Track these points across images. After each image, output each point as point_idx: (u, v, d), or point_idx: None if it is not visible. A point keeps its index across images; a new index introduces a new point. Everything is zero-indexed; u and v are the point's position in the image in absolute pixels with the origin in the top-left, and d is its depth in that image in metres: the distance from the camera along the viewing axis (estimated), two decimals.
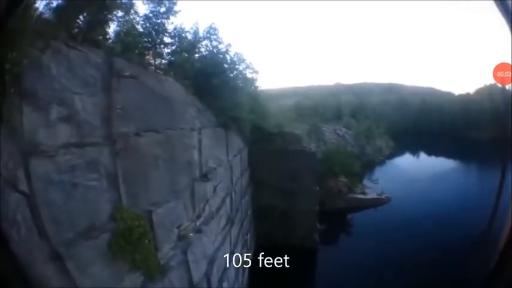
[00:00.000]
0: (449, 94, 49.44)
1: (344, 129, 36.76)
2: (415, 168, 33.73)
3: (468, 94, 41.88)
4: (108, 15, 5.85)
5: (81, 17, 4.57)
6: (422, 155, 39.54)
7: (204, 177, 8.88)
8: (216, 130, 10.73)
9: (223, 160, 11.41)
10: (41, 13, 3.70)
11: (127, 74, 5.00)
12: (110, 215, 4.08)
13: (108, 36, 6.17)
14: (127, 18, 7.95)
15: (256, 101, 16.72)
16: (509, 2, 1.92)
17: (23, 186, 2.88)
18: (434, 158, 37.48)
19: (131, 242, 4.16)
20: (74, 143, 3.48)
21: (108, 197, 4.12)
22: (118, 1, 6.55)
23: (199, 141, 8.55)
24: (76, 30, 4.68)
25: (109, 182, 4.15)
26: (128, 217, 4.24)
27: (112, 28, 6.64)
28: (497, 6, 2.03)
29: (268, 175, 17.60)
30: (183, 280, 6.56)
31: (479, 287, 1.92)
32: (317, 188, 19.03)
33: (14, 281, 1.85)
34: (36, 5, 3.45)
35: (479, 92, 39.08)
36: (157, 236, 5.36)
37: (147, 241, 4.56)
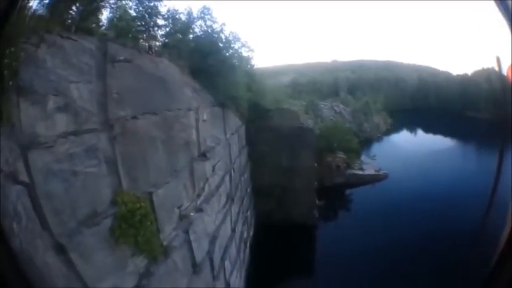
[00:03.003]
0: (446, 73, 48.90)
1: (341, 106, 36.67)
2: (413, 145, 33.80)
3: (466, 75, 41.43)
4: (101, 3, 5.79)
5: (74, 8, 4.51)
6: (420, 132, 39.30)
7: (203, 156, 8.91)
8: (213, 109, 10.72)
9: (221, 139, 11.41)
10: (35, 10, 3.65)
11: (121, 58, 4.97)
12: (111, 199, 4.10)
13: (101, 23, 6.12)
14: (119, 4, 7.89)
15: (253, 79, 16.65)
16: (509, 2, 1.88)
17: (23, 177, 2.88)
18: (432, 136, 37.29)
19: (133, 224, 4.20)
20: (72, 132, 3.47)
21: (108, 182, 4.13)
22: None
23: (197, 120, 8.56)
24: (69, 21, 4.61)
25: (108, 167, 4.16)
26: (128, 200, 4.27)
27: (105, 15, 6.57)
28: (498, 6, 1.99)
29: (266, 152, 17.64)
30: (186, 260, 6.63)
31: (479, 287, 1.90)
32: (315, 164, 19.14)
33: (13, 279, 1.84)
34: (30, 3, 3.41)
35: (477, 73, 38.54)
36: (159, 217, 5.40)
37: (149, 223, 4.59)
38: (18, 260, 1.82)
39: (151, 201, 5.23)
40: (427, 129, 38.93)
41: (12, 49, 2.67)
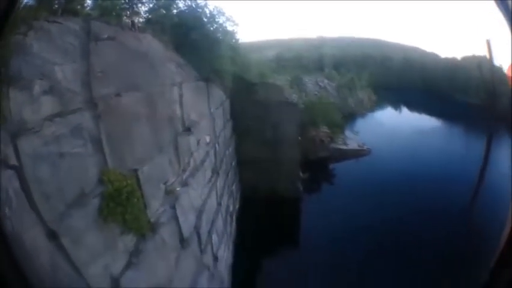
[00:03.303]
0: (433, 55, 48.08)
1: (326, 81, 36.22)
2: (397, 122, 33.56)
3: (455, 59, 40.53)
4: None
5: None
6: (405, 111, 38.80)
7: (187, 131, 8.87)
8: (197, 84, 10.59)
9: (206, 113, 11.36)
10: (26, 2, 3.56)
11: (105, 36, 4.89)
12: (98, 179, 4.09)
13: (86, 4, 6.00)
14: None
15: (237, 53, 16.38)
16: (509, 2, 1.89)
17: (13, 161, 2.84)
18: (417, 115, 36.90)
19: (120, 202, 4.20)
20: (58, 113, 3.44)
21: (95, 161, 4.12)
22: None
23: (181, 96, 8.48)
24: (56, 6, 4.54)
25: (94, 146, 4.13)
26: (115, 178, 4.27)
27: None
28: (498, 6, 1.99)
29: (251, 126, 17.65)
30: (174, 235, 6.68)
31: (480, 287, 1.91)
32: (299, 138, 19.22)
33: (11, 277, 1.86)
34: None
35: (466, 59, 37.50)
36: (145, 193, 5.40)
37: (136, 200, 4.60)
38: (15, 255, 1.84)
39: (137, 178, 5.22)
40: (413, 108, 38.37)
41: (4, 42, 2.63)
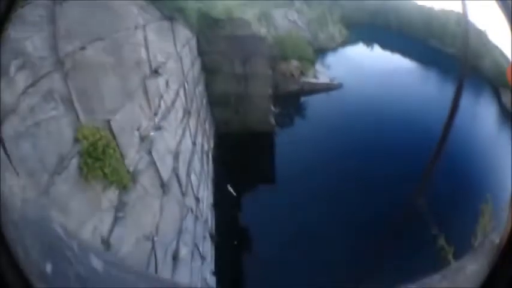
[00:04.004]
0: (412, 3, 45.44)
1: (296, 15, 34.69)
2: (369, 59, 32.36)
3: (431, 9, 38.30)
4: None
5: None
6: (377, 49, 36.61)
7: (155, 73, 8.46)
8: (161, 24, 10.00)
9: (172, 53, 10.93)
10: None
11: None
12: (73, 138, 3.99)
13: None
14: None
15: None
16: (509, 2, 1.81)
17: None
18: (389, 54, 34.89)
19: (97, 157, 4.14)
20: (30, 84, 3.26)
21: (68, 121, 3.99)
22: None
23: (145, 38, 7.99)
24: None
25: (65, 105, 3.98)
26: (89, 134, 4.19)
27: None
28: (498, 6, 1.90)
29: (219, 62, 17.28)
30: (154, 181, 6.67)
31: (479, 287, 1.89)
32: (270, 71, 18.83)
33: (10, 275, 1.84)
34: None
35: (445, 12, 35.26)
36: (120, 143, 5.30)
37: (112, 151, 4.51)
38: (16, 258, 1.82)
39: (111, 129, 5.08)
40: (386, 47, 36.27)
41: None
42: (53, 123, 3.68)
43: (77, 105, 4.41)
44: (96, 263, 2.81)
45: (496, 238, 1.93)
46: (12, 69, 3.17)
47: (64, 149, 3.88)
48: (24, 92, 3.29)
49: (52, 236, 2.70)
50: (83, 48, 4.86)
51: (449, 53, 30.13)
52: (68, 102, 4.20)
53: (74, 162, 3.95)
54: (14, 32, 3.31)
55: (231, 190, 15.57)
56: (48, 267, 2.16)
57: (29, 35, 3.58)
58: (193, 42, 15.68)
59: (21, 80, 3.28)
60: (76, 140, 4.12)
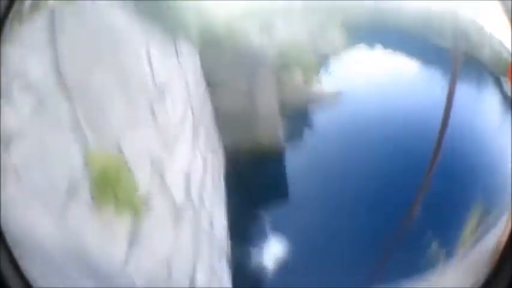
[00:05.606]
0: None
1: (297, 22, 34.57)
2: (371, 61, 30.02)
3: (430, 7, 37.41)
4: None
5: None
6: (379, 50, 35.00)
7: (161, 93, 8.63)
8: (163, 42, 10.00)
9: (176, 72, 10.69)
10: None
11: (67, 16, 4.66)
12: (83, 163, 3.97)
13: None
14: None
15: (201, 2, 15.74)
16: (510, 2, 1.81)
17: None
18: (391, 54, 33.20)
19: (109, 182, 4.09)
20: (35, 108, 3.27)
21: (77, 146, 3.98)
22: None
23: (149, 58, 8.04)
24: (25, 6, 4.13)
25: (73, 130, 3.97)
26: (98, 159, 4.11)
27: None
28: (499, 5, 1.92)
29: (223, 78, 17.12)
30: (167, 203, 6.48)
31: (479, 287, 1.97)
32: (274, 84, 19.08)
33: (10, 275, 1.85)
34: None
35: (444, 10, 34.30)
36: (131, 167, 5.27)
37: (124, 175, 4.47)
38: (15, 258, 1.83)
39: (121, 153, 5.13)
40: (387, 47, 35.11)
41: None
42: (61, 148, 3.70)
43: (85, 129, 4.47)
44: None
45: (494, 238, 2.10)
46: (15, 91, 3.18)
47: (75, 175, 3.91)
48: (29, 116, 3.31)
49: None
50: (88, 72, 4.97)
51: (448, 47, 28.84)
52: (76, 127, 4.25)
53: (85, 188, 3.98)
54: (15, 52, 3.32)
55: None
56: None
57: (30, 57, 3.63)
58: (197, 60, 15.29)
59: (25, 103, 3.32)
60: (86, 165, 4.17)
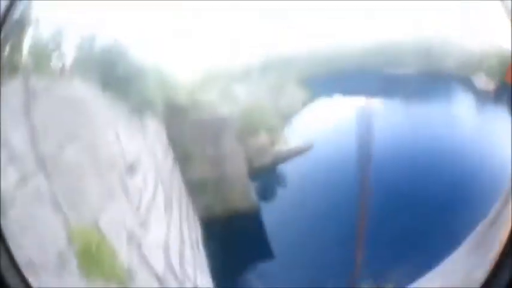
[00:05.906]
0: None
1: (255, 85, 34.98)
2: (333, 111, 30.34)
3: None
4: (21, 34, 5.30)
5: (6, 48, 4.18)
6: (337, 99, 34.10)
7: (131, 170, 8.69)
8: (130, 119, 10.18)
9: (144, 147, 10.87)
10: None
11: (40, 88, 4.83)
12: (67, 237, 3.97)
13: (23, 55, 5.69)
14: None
15: (164, 75, 15.99)
16: (510, 2, 2.10)
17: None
18: (353, 98, 32.37)
19: (92, 256, 4.08)
20: (19, 180, 3.28)
21: (58, 221, 3.97)
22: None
23: (117, 135, 8.21)
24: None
25: (53, 205, 3.99)
26: (80, 234, 4.11)
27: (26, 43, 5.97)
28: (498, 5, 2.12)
29: (190, 148, 17.26)
30: (150, 277, 6.55)
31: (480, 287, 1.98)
32: (241, 149, 19.07)
33: (10, 275, 1.84)
34: None
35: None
36: (111, 241, 5.33)
37: (104, 250, 4.48)
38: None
39: (99, 229, 5.20)
40: (346, 94, 34.18)
41: None
42: (46, 221, 3.68)
43: (63, 206, 4.49)
44: None
45: (495, 237, 2.11)
46: (3, 159, 3.19)
47: (61, 247, 3.87)
48: (15, 186, 3.31)
49: None
50: (61, 148, 5.06)
51: (408, 74, 29.01)
52: (55, 203, 4.25)
53: (73, 261, 3.94)
54: (1, 117, 3.33)
55: None
56: None
57: (11, 125, 3.66)
58: (164, 133, 15.41)
59: (11, 173, 3.32)
60: (70, 241, 4.15)
